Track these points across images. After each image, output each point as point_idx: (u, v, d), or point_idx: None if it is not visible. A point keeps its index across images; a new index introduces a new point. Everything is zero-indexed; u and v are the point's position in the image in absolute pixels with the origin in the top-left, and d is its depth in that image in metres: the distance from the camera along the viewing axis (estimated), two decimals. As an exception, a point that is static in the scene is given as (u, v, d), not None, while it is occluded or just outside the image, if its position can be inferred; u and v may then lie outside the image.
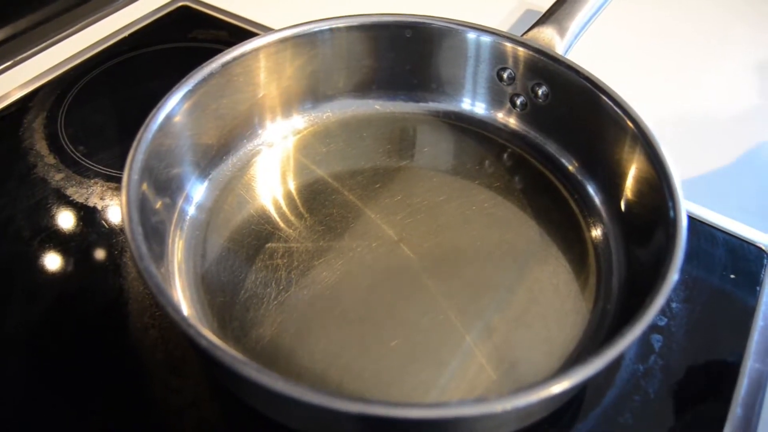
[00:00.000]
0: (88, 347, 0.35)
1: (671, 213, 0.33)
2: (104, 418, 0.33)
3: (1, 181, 0.44)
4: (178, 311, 0.27)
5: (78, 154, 0.46)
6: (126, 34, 0.59)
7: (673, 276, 0.29)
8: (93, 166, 0.45)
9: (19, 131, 0.48)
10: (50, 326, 0.36)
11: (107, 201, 0.43)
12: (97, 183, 0.44)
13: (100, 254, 0.40)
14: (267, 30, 0.59)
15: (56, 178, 0.45)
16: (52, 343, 0.36)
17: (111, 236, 0.41)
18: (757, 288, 0.39)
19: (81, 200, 0.43)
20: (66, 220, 0.42)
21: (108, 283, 0.38)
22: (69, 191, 0.44)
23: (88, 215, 0.42)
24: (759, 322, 0.38)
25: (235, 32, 0.59)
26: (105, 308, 0.37)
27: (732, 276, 0.40)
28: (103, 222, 0.42)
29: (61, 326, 0.36)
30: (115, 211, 0.42)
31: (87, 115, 0.50)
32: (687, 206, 0.43)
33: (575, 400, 0.34)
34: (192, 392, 0.33)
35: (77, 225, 0.42)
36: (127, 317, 0.36)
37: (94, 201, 0.43)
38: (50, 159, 0.46)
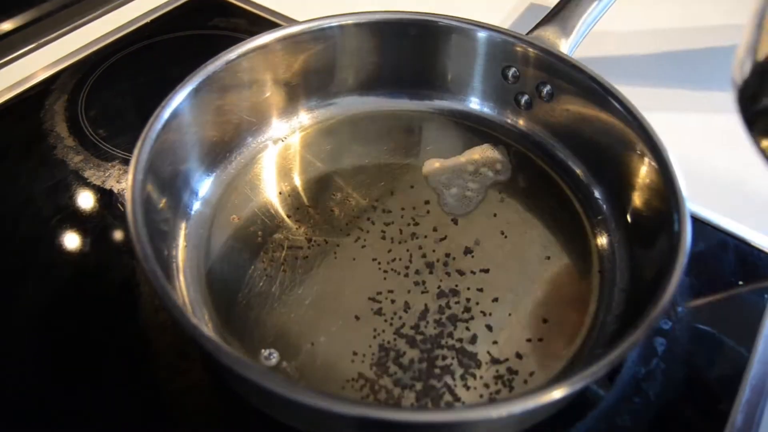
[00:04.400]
0: (99, 326, 0.36)
1: (675, 226, 0.33)
2: (112, 396, 0.34)
3: (22, 161, 0.45)
4: (183, 314, 0.28)
5: (97, 138, 0.47)
6: (148, 20, 0.59)
7: (673, 287, 0.29)
8: (111, 149, 0.46)
9: (41, 113, 0.49)
10: (64, 304, 0.37)
11: (124, 184, 0.44)
12: (114, 166, 0.45)
13: (114, 236, 0.41)
14: (286, 19, 0.60)
15: (75, 160, 0.46)
16: (65, 320, 0.37)
17: (126, 218, 0.42)
18: (766, 296, 0.39)
19: (98, 183, 0.44)
20: (83, 201, 0.43)
21: (121, 264, 0.39)
22: (87, 173, 0.45)
23: (105, 197, 0.43)
24: (765, 330, 0.38)
25: (255, 21, 0.60)
26: (117, 288, 0.38)
27: (740, 282, 0.40)
28: (119, 205, 0.43)
29: (74, 304, 0.37)
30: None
31: (107, 99, 0.51)
32: (698, 210, 0.43)
33: (575, 399, 0.34)
34: (198, 375, 0.34)
35: (94, 206, 0.43)
36: (138, 298, 0.37)
37: (111, 184, 0.44)
38: (70, 141, 0.47)
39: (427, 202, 0.42)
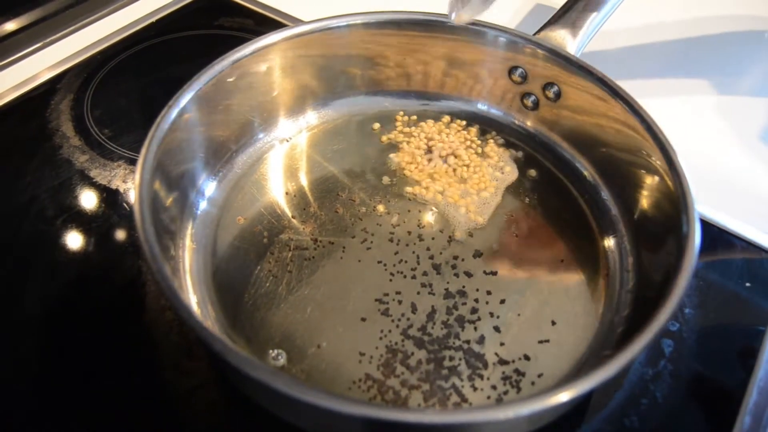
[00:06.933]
0: (105, 326, 0.36)
1: (684, 228, 0.32)
2: (118, 396, 0.34)
3: (27, 160, 0.45)
4: (190, 313, 0.27)
5: (103, 137, 0.47)
6: (153, 19, 0.60)
7: (682, 289, 0.29)
8: (117, 149, 0.46)
9: (46, 112, 0.49)
10: (69, 304, 0.37)
11: (129, 184, 0.44)
12: (120, 166, 0.45)
13: (120, 235, 0.41)
14: (292, 19, 0.60)
15: (81, 159, 0.46)
16: (70, 319, 0.37)
17: (132, 218, 0.41)
18: (773, 297, 0.39)
19: (104, 182, 0.44)
20: (89, 201, 0.43)
21: (127, 264, 0.39)
22: (93, 173, 0.45)
23: (111, 197, 0.43)
24: (773, 332, 0.38)
25: (261, 21, 0.60)
26: (123, 288, 0.38)
27: (748, 284, 0.40)
28: (125, 204, 0.43)
29: (79, 304, 0.37)
30: (136, 194, 0.43)
31: (113, 98, 0.51)
32: (706, 212, 0.43)
33: (583, 400, 0.34)
34: (203, 375, 0.34)
35: (99, 206, 0.43)
36: (144, 298, 0.37)
37: (116, 183, 0.44)
38: (75, 141, 0.47)
39: (435, 204, 0.42)
